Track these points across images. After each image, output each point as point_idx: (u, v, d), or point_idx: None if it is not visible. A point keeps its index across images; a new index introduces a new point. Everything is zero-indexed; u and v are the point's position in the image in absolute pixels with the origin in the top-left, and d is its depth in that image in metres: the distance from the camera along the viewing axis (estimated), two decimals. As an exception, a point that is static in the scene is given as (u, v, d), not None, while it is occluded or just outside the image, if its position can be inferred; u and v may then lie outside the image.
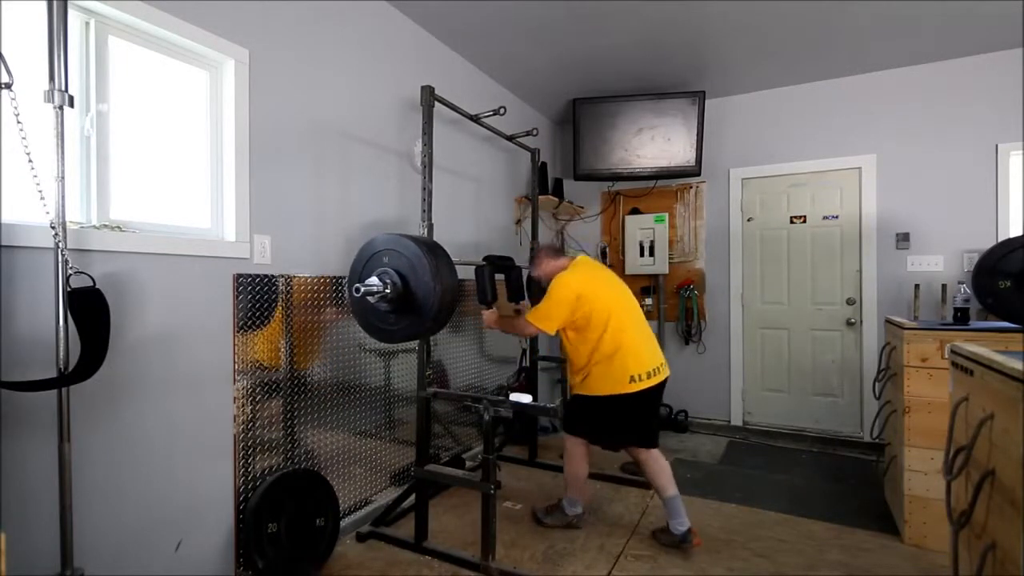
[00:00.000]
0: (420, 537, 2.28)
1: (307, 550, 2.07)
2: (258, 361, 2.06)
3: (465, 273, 2.79)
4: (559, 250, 2.55)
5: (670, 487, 2.27)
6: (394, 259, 1.90)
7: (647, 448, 2.30)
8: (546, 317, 2.25)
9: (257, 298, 2.05)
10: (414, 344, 2.77)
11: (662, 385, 2.31)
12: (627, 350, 2.23)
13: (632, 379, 2.20)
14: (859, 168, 3.63)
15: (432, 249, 1.89)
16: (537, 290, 2.62)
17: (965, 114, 3.33)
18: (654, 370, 2.27)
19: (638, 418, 2.27)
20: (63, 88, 1.39)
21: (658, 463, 2.29)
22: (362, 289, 1.83)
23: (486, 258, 2.68)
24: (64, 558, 1.43)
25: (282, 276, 2.15)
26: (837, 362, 3.75)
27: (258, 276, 2.06)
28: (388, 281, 1.88)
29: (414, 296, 1.87)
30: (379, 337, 2.05)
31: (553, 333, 2.29)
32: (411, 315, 1.90)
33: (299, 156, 2.26)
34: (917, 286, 3.27)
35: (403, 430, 2.80)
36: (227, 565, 1.96)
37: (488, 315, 2.54)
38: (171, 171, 1.88)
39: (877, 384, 2.73)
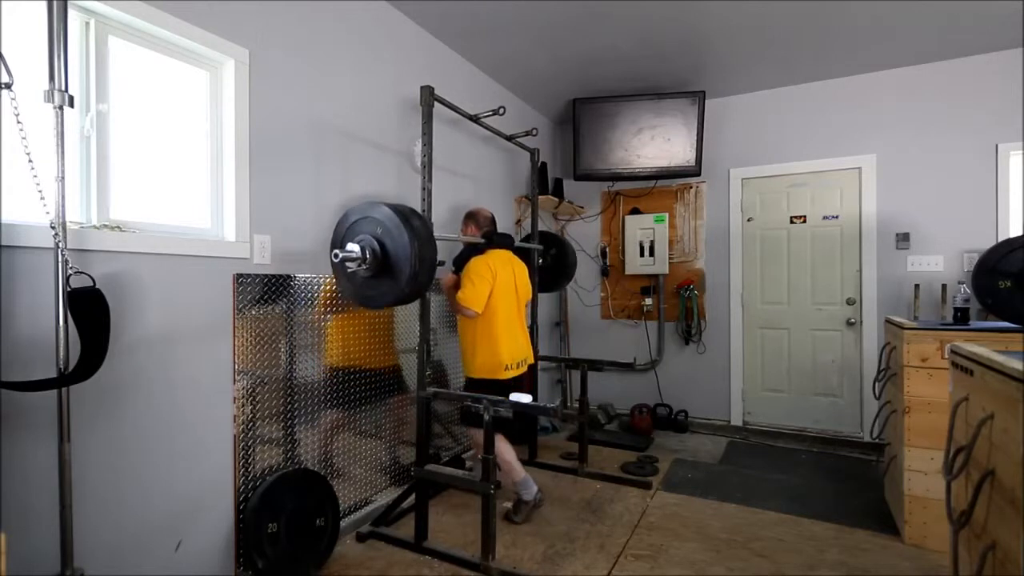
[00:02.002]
0: (420, 537, 2.28)
1: (307, 550, 2.07)
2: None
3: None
4: (489, 233, 2.66)
5: (520, 469, 2.55)
6: (372, 226, 1.89)
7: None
8: (472, 297, 2.44)
9: (257, 298, 2.05)
10: (414, 344, 2.77)
11: (525, 373, 2.68)
12: (506, 341, 2.54)
13: (507, 367, 2.54)
14: (859, 168, 3.63)
15: (408, 217, 1.87)
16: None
17: (965, 114, 3.33)
18: (523, 361, 2.65)
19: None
20: (63, 88, 1.40)
21: (502, 440, 2.54)
22: (340, 255, 1.83)
23: (485, 234, 2.64)
24: (64, 558, 1.43)
25: (282, 276, 2.15)
26: (837, 362, 3.75)
27: (258, 276, 2.06)
28: (367, 247, 1.86)
29: (392, 264, 1.86)
30: (360, 302, 2.03)
31: (481, 311, 2.46)
32: (389, 280, 1.89)
33: (299, 156, 2.26)
34: (917, 286, 3.28)
35: (403, 430, 2.80)
36: (227, 565, 1.96)
37: (448, 278, 2.67)
38: (171, 171, 1.87)
39: (877, 384, 2.73)
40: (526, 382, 2.68)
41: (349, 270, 1.90)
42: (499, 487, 2.20)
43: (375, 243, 1.87)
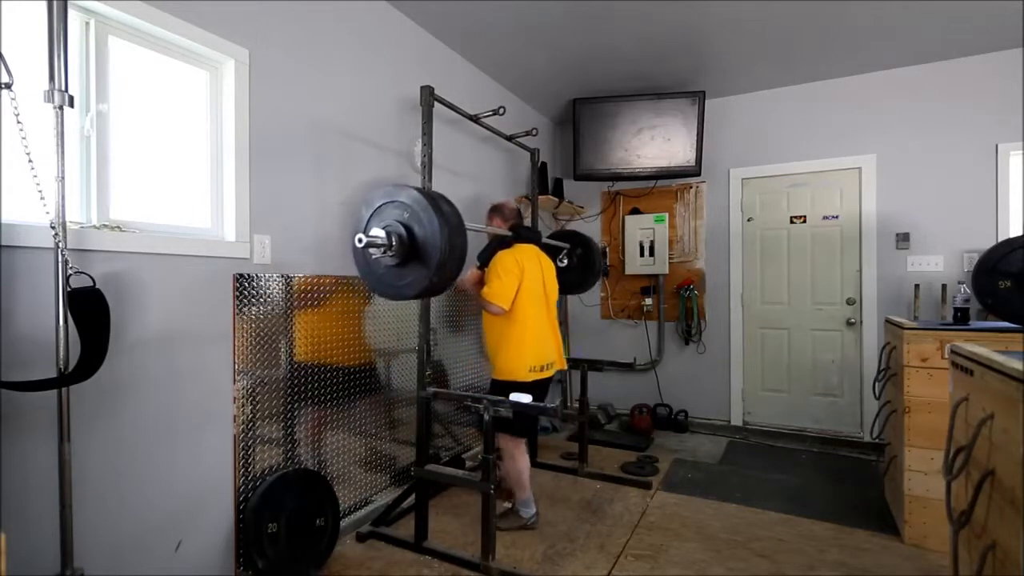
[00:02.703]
0: (420, 537, 2.28)
1: (307, 550, 2.07)
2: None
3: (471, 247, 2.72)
4: (516, 226, 2.60)
5: (527, 488, 2.46)
6: (399, 211, 1.76)
7: (520, 436, 2.47)
8: (500, 293, 2.35)
9: (257, 298, 2.05)
10: (414, 344, 2.77)
11: (550, 378, 2.55)
12: (532, 341, 2.42)
13: (531, 369, 2.41)
14: (859, 168, 3.63)
15: (437, 201, 1.75)
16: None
17: (965, 114, 3.33)
18: (548, 364, 2.51)
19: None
20: (63, 88, 1.40)
21: (525, 455, 2.48)
22: (365, 240, 1.70)
23: (512, 227, 2.58)
24: (64, 558, 1.43)
25: (282, 276, 2.15)
26: (837, 362, 3.75)
27: (258, 276, 2.06)
28: (393, 233, 1.72)
29: (420, 251, 1.73)
30: (384, 293, 1.89)
31: (508, 308, 2.37)
32: (417, 268, 1.76)
33: (299, 156, 2.26)
34: (917, 286, 3.28)
35: (403, 430, 2.80)
36: (227, 565, 1.96)
37: (472, 274, 2.57)
38: (171, 171, 1.87)
39: (877, 384, 2.73)
40: (544, 388, 2.55)
41: (373, 257, 1.79)
42: (499, 487, 2.19)
43: (402, 228, 1.74)
